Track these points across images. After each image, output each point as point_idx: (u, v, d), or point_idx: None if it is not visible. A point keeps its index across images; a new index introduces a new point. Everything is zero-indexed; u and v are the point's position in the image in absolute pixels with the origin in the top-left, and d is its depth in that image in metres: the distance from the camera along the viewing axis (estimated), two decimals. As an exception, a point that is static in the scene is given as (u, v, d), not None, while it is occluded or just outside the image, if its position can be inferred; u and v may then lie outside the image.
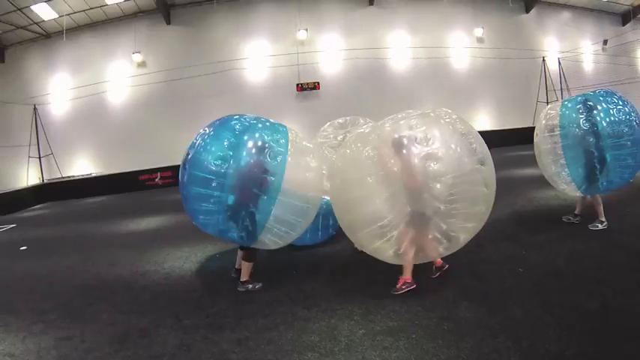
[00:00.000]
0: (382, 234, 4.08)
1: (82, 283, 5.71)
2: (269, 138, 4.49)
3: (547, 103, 21.83)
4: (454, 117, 4.33)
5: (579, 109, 5.68)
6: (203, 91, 18.77)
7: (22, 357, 3.76)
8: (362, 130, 4.61)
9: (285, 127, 4.81)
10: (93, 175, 18.35)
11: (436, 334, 3.49)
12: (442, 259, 4.66)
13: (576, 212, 6.44)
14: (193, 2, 19.11)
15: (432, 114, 4.31)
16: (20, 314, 4.75)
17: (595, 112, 5.57)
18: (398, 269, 4.44)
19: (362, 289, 4.54)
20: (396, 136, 4.05)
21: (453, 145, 4.01)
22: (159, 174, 17.86)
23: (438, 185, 3.93)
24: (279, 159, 4.40)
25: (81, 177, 18.20)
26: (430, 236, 4.11)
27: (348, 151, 4.45)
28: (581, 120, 5.59)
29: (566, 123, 5.75)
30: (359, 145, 4.36)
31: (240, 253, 5.18)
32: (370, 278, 4.79)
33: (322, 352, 3.35)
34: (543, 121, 6.12)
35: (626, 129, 5.48)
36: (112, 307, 4.74)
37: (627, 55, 26.84)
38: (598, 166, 5.61)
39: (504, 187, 8.33)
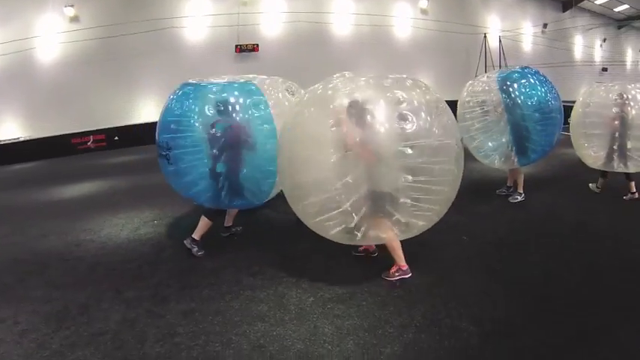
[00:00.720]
0: (342, 222, 3.55)
1: (12, 257, 5.24)
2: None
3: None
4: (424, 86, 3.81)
5: (502, 85, 5.93)
6: (139, 50, 17.69)
7: None
8: (317, 89, 3.85)
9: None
10: (21, 139, 17.05)
11: (387, 301, 3.52)
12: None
13: (508, 184, 6.80)
14: (134, -48, 17.84)
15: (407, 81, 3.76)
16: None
17: (514, 88, 5.86)
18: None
19: (307, 257, 4.52)
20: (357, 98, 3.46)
21: (423, 114, 3.46)
22: (91, 137, 16.92)
23: (409, 151, 3.37)
24: (262, 107, 4.29)
25: (7, 141, 16.85)
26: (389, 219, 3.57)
27: (300, 117, 3.79)
28: (504, 95, 5.86)
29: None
30: (312, 110, 3.75)
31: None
32: (315, 246, 4.60)
33: (272, 322, 3.29)
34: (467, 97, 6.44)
35: (543, 104, 5.82)
36: (46, 282, 4.38)
37: (564, 40, 28.28)
38: (513, 142, 5.95)
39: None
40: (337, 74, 3.92)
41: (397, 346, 2.92)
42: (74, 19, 17.31)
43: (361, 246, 4.35)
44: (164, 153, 4.33)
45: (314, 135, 3.56)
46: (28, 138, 16.95)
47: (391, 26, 21.98)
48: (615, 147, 6.20)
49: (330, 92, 3.62)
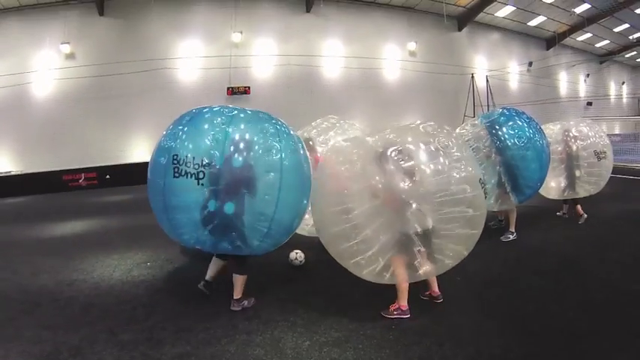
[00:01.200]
0: (369, 262, 3.86)
1: (2, 294, 5.17)
2: (256, 130, 3.99)
3: (474, 118, 23.05)
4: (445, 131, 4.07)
5: (487, 127, 6.24)
6: (133, 89, 18.06)
7: None
8: (342, 143, 4.39)
9: (265, 113, 4.35)
10: (12, 173, 16.99)
11: (382, 343, 3.53)
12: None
13: (500, 218, 7.25)
14: (128, -6, 18.29)
15: (420, 128, 4.07)
16: None
17: (501, 131, 6.11)
18: (337, 278, 4.61)
19: (301, 300, 4.52)
20: (381, 150, 3.83)
21: (440, 163, 3.77)
22: (83, 175, 16.98)
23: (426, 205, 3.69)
24: (274, 152, 3.90)
25: (-1, 175, 16.81)
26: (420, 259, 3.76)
27: (328, 170, 4.21)
28: (488, 138, 6.15)
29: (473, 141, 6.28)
30: (341, 159, 4.13)
31: (216, 263, 4.67)
32: (308, 289, 4.81)
33: None
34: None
35: (530, 147, 6.04)
36: (37, 322, 4.30)
37: (549, 77, 29.22)
38: (507, 181, 6.10)
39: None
40: (319, 119, 4.17)
41: (394, 391, 2.91)
42: (70, 57, 17.63)
43: (427, 291, 4.38)
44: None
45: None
46: (19, 172, 16.92)
47: (380, 68, 22.60)
48: (564, 177, 7.17)
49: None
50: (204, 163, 3.75)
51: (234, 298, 4.36)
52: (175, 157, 3.83)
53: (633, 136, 28.62)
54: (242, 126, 4.00)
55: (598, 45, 32.72)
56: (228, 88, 19.08)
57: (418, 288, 4.28)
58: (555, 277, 4.80)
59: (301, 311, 4.24)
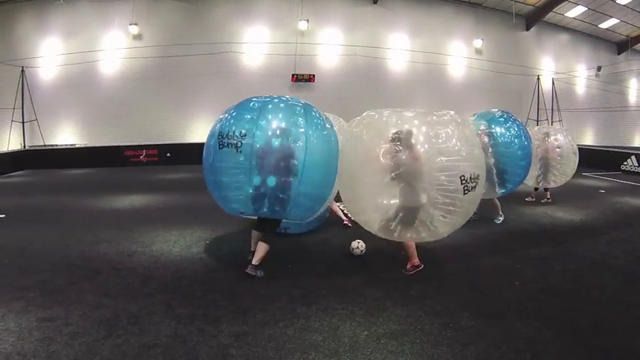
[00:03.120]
0: (387, 223, 4.55)
1: (64, 259, 5.40)
2: (290, 121, 4.63)
3: (537, 121, 22.18)
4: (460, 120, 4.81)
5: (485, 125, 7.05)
6: (197, 71, 18.41)
7: (1, 337, 3.40)
8: (372, 116, 4.93)
9: (300, 104, 4.90)
10: (76, 145, 17.86)
11: (439, 340, 3.46)
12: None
13: (475, 211, 7.76)
14: (197, -23, 18.68)
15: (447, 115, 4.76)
16: (-1, 288, 4.47)
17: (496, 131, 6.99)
18: (393, 270, 4.97)
19: (360, 290, 4.50)
20: (406, 128, 4.43)
21: (459, 144, 4.44)
22: (144, 151, 17.49)
23: (442, 176, 4.30)
24: (299, 143, 4.52)
25: (64, 147, 17.67)
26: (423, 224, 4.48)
27: (359, 136, 4.83)
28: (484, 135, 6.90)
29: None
30: (369, 131, 4.75)
31: (255, 235, 5.12)
32: (367, 279, 4.79)
33: (326, 352, 3.25)
34: None
35: (520, 148, 7.01)
36: (98, 288, 4.47)
37: (619, 83, 27.51)
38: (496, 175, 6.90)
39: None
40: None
41: (451, 387, 2.84)
42: (137, 37, 18.22)
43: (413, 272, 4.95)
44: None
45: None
46: (83, 145, 17.72)
47: (445, 65, 22.09)
48: (540, 170, 9.01)
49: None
50: (241, 134, 4.52)
51: (253, 263, 4.79)
52: (220, 134, 4.65)
53: None
54: (273, 109, 4.73)
55: (674, 52, 30.60)
56: (292, 75, 19.18)
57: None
58: (615, 294, 4.52)
59: (359, 301, 4.21)
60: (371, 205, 4.65)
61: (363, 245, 5.58)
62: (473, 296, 4.39)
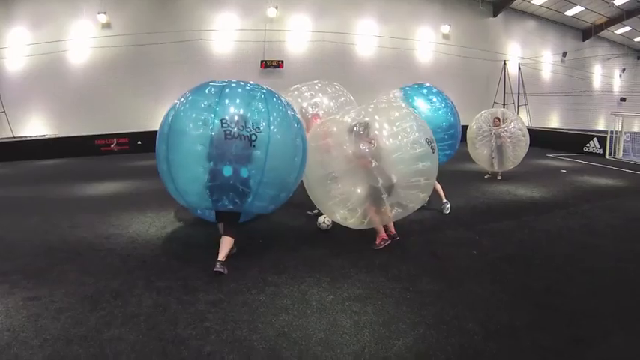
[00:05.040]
0: (351, 211, 4.88)
1: (44, 244, 5.53)
2: (248, 108, 4.25)
3: (504, 104, 22.82)
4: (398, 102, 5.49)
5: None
6: (167, 60, 18.27)
7: None
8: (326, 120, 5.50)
9: (260, 89, 4.57)
10: (47, 136, 17.59)
11: (400, 302, 3.80)
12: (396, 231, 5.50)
13: None
14: (166, -35, 18.45)
15: (383, 104, 5.45)
16: (-21, 275, 4.52)
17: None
18: (358, 243, 5.32)
19: (326, 260, 4.84)
20: (352, 124, 4.87)
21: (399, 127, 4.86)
22: (115, 140, 17.34)
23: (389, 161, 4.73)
24: (261, 128, 4.16)
25: (34, 138, 17.35)
26: (387, 205, 4.80)
27: (314, 144, 5.08)
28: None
29: None
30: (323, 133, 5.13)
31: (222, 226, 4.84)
32: (333, 250, 5.12)
33: (295, 313, 3.57)
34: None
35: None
36: (79, 268, 4.65)
37: (583, 69, 28.42)
38: None
39: (459, 181, 9.02)
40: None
41: (409, 339, 3.19)
42: (106, 26, 17.91)
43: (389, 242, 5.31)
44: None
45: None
46: (53, 136, 17.44)
47: (413, 50, 22.37)
48: (494, 154, 9.74)
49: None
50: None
51: (219, 259, 4.44)
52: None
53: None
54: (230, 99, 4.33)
55: (636, 39, 31.57)
56: (261, 62, 19.24)
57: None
58: (568, 260, 4.91)
59: (326, 270, 4.54)
60: (339, 200, 4.91)
61: (330, 220, 5.85)
62: (433, 264, 4.76)
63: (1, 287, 4.16)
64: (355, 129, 4.81)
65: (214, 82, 4.61)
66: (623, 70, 33.00)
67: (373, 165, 4.69)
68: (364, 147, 4.74)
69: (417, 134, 4.82)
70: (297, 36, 20.11)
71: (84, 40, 17.85)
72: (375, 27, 21.48)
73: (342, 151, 4.84)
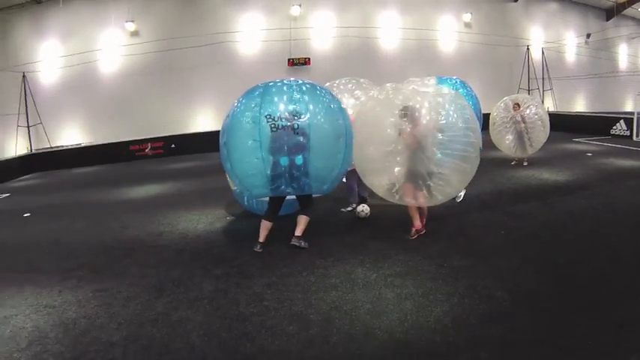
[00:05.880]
0: (390, 187, 5.21)
1: (100, 243, 5.99)
2: (293, 101, 4.82)
3: (528, 90, 22.69)
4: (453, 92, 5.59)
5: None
6: (195, 63, 18.72)
7: (63, 307, 4.01)
8: (377, 95, 5.64)
9: (300, 83, 5.14)
10: (82, 144, 18.35)
11: (436, 276, 4.22)
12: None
13: None
14: (189, -28, 18.92)
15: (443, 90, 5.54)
16: (48, 272, 4.98)
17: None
18: (394, 228, 5.68)
19: (366, 244, 5.28)
20: (408, 104, 5.00)
21: (451, 113, 5.03)
22: (149, 144, 17.97)
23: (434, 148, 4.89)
24: (305, 119, 4.74)
25: (70, 147, 18.11)
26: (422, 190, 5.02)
27: (366, 114, 5.48)
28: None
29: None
30: (377, 109, 5.39)
31: (265, 225, 5.29)
32: (371, 235, 5.57)
33: (344, 290, 4.00)
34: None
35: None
36: (139, 262, 5.12)
37: (608, 49, 27.88)
38: None
39: (487, 166, 9.32)
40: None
41: (445, 307, 3.60)
42: (134, 34, 18.54)
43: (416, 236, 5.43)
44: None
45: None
46: (89, 144, 18.18)
47: (436, 40, 22.45)
48: (516, 139, 9.93)
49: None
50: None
51: (296, 234, 5.23)
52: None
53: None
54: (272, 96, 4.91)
55: (664, 15, 30.91)
56: (288, 60, 19.53)
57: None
58: (592, 238, 5.18)
59: (367, 252, 4.97)
60: (379, 167, 5.23)
61: (368, 208, 6.33)
62: (463, 243, 5.18)
63: (69, 282, 4.63)
64: (404, 112, 4.97)
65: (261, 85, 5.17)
66: (651, 48, 32.29)
67: (419, 146, 4.88)
68: (411, 128, 4.90)
69: (463, 125, 5.00)
70: (322, 32, 20.37)
71: (114, 49, 18.48)
72: (398, 19, 21.59)
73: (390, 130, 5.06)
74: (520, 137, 9.98)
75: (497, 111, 10.34)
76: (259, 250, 5.15)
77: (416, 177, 4.95)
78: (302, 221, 5.29)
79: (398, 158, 5.00)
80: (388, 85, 5.61)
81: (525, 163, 10.30)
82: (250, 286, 4.19)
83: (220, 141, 5.15)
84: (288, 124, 4.69)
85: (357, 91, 6.90)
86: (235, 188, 6.12)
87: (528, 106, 10.02)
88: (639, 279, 3.99)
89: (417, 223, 5.39)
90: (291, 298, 3.90)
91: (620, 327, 3.18)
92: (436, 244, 5.13)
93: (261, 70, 18.38)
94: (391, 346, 3.10)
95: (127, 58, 18.54)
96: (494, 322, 3.33)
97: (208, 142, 16.44)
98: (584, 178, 8.54)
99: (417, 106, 4.97)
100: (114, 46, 18.51)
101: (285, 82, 5.12)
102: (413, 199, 5.15)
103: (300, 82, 5.17)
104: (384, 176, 5.21)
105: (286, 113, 4.72)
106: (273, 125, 4.68)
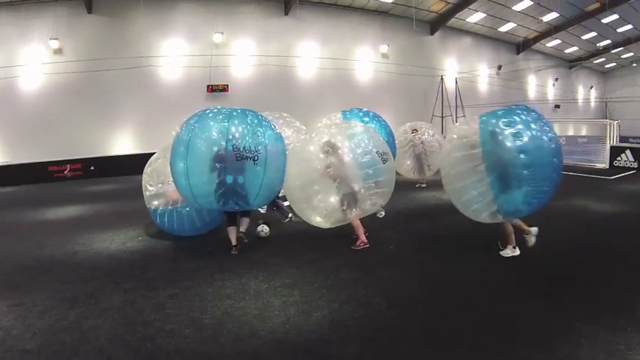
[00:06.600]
0: (327, 216, 6.34)
1: (17, 262, 6.15)
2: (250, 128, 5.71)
3: (442, 117, 24.49)
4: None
5: (500, 125, 5.32)
6: (118, 85, 18.67)
7: None
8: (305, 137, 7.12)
9: (255, 115, 6.11)
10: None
11: (321, 287, 4.88)
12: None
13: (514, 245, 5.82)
14: (116, -8, 18.91)
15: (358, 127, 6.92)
16: (-40, 291, 5.02)
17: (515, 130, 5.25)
18: (292, 244, 6.60)
19: (264, 260, 5.93)
20: (331, 141, 6.13)
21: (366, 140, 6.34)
22: (68, 166, 17.48)
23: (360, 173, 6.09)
24: (260, 148, 5.63)
25: (-15, 166, 17.32)
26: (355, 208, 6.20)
27: (297, 156, 6.44)
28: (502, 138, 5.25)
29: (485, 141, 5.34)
30: (305, 149, 6.44)
31: (232, 230, 6.28)
32: (270, 252, 6.25)
33: (236, 299, 4.58)
34: (457, 140, 5.90)
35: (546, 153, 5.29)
36: (54, 279, 5.38)
37: (518, 80, 30.75)
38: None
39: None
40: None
41: (325, 312, 4.24)
42: (58, 52, 18.15)
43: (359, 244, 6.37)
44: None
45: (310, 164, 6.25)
46: (5, 163, 17.36)
47: (354, 70, 23.75)
48: (414, 162, 11.27)
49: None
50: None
51: (241, 230, 6.29)
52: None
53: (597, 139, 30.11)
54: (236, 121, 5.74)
55: (567, 51, 34.48)
56: (207, 86, 19.96)
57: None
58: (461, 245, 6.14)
59: (263, 267, 5.61)
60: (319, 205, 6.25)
61: (267, 228, 7.07)
62: (353, 258, 5.92)
63: (-17, 299, 4.80)
64: (324, 148, 6.05)
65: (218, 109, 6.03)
66: (556, 79, 35.82)
67: (331, 172, 5.97)
68: (329, 162, 5.99)
69: (369, 147, 6.26)
70: (242, 60, 20.99)
71: (36, 66, 17.96)
72: (317, 49, 22.65)
73: (316, 167, 6.11)
74: (419, 160, 11.16)
75: (398, 136, 11.16)
76: (235, 253, 6.13)
77: (351, 196, 6.08)
78: (245, 223, 6.37)
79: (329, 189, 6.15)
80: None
81: (424, 185, 11.50)
82: (155, 297, 4.67)
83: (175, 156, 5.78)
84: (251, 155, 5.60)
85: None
86: (153, 206, 6.75)
87: (426, 131, 11.32)
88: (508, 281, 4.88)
89: (363, 238, 6.31)
90: (190, 306, 4.42)
91: (487, 327, 3.85)
92: (328, 259, 5.83)
93: (182, 95, 18.95)
94: (272, 344, 3.67)
95: (49, 76, 18.09)
96: (368, 324, 3.98)
97: (127, 164, 16.29)
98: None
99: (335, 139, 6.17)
100: (36, 63, 17.97)
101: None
102: (358, 212, 6.23)
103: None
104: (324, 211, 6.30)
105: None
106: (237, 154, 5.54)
